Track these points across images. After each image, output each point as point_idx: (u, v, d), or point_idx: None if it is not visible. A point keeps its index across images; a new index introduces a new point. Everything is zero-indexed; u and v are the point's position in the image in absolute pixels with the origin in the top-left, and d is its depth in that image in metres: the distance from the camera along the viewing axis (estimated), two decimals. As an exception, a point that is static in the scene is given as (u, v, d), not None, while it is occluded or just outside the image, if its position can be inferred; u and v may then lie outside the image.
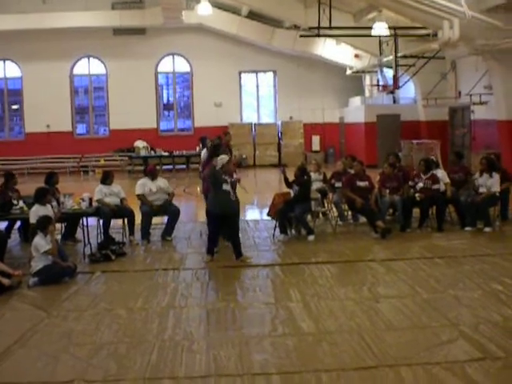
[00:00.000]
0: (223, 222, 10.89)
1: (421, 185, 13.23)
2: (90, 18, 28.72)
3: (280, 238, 12.61)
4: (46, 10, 28.23)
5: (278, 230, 12.77)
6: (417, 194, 13.09)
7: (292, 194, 12.76)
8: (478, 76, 22.27)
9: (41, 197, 10.84)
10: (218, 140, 13.43)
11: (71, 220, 12.52)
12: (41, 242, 9.63)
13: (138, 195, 12.98)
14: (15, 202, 11.91)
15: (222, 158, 10.80)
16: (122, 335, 7.24)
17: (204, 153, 14.99)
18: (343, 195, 13.37)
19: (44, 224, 9.77)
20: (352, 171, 13.71)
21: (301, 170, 12.98)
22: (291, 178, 12.97)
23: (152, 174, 13.14)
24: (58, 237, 11.91)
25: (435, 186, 13.20)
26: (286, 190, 13.25)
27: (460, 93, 25.08)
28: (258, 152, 31.53)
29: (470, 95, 22.78)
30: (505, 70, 19.88)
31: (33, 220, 10.37)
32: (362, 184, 13.11)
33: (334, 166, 16.05)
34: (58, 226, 12.11)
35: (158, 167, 16.18)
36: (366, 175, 13.45)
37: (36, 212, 10.47)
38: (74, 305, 8.54)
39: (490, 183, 12.99)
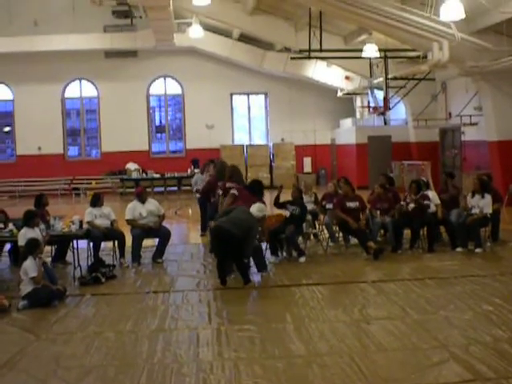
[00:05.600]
0: (223, 247, 10.72)
1: (412, 205, 13.24)
2: (81, 40, 28.84)
3: (271, 259, 12.56)
4: (37, 33, 28.36)
5: (269, 251, 12.73)
6: (410, 205, 13.14)
7: (288, 214, 12.70)
8: (468, 97, 22.42)
9: (29, 219, 10.82)
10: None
11: (61, 242, 12.46)
12: (31, 266, 9.56)
13: (127, 220, 12.94)
14: (1, 225, 11.89)
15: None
16: (111, 358, 7.17)
17: (199, 176, 15.42)
18: (335, 216, 13.37)
19: (32, 247, 9.72)
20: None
21: (299, 191, 13.12)
22: (283, 198, 13.04)
23: (141, 197, 13.09)
24: (48, 259, 11.86)
25: (426, 202, 13.24)
26: (276, 212, 13.24)
27: (450, 114, 25.23)
28: (249, 174, 31.48)
29: (461, 116, 22.89)
30: (495, 91, 19.99)
31: (21, 243, 10.34)
32: (352, 205, 13.11)
33: (326, 187, 16.05)
34: (48, 248, 12.11)
35: (148, 189, 16.20)
36: (356, 195, 13.46)
37: (24, 235, 10.44)
38: (64, 328, 8.48)
39: (483, 204, 13.00)
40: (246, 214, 10.71)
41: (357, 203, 13.16)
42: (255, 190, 11.84)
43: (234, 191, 11.91)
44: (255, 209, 10.92)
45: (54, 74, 30.84)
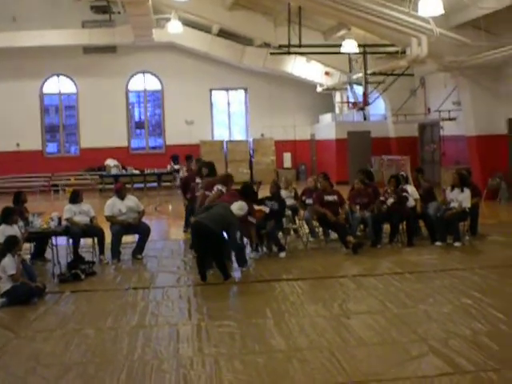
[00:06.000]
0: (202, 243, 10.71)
1: (391, 200, 13.28)
2: (59, 36, 28.61)
3: (251, 255, 12.56)
4: (15, 29, 28.04)
5: (249, 246, 12.72)
6: (389, 200, 13.19)
7: (268, 210, 12.67)
8: (446, 92, 22.54)
9: (7, 217, 10.73)
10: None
11: (40, 239, 12.38)
12: (9, 264, 9.48)
13: (106, 217, 12.88)
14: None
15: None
16: (91, 355, 7.14)
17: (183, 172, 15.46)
18: (314, 211, 13.38)
19: (10, 244, 9.64)
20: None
21: (278, 186, 13.15)
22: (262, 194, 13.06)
23: (120, 193, 13.04)
24: (27, 256, 11.79)
25: (404, 193, 13.32)
26: (256, 208, 13.22)
27: (429, 109, 25.36)
28: (229, 169, 31.42)
29: (439, 111, 23.01)
30: (473, 86, 20.12)
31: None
32: (330, 198, 13.15)
33: (306, 182, 16.08)
34: (26, 245, 12.04)
35: (127, 185, 16.14)
36: (334, 190, 13.52)
37: (2, 232, 10.34)
38: (43, 325, 8.43)
39: (461, 198, 13.06)
40: (226, 210, 10.71)
41: (335, 197, 13.21)
42: (244, 194, 11.79)
43: (222, 188, 11.94)
44: (236, 207, 10.91)
45: (32, 69, 30.59)
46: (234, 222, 10.66)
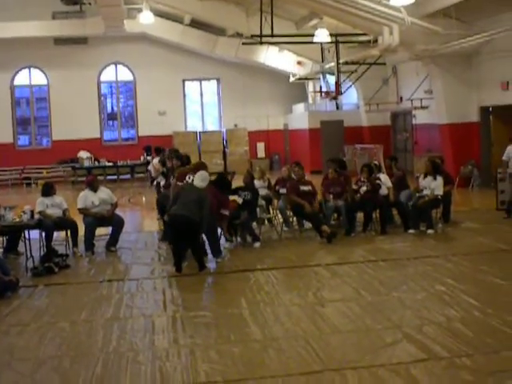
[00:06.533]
0: (180, 234, 10.68)
1: (364, 188, 13.35)
2: (30, 27, 28.25)
3: (226, 245, 12.56)
4: (-16, 20, 27.74)
5: (223, 237, 12.71)
6: (362, 188, 13.26)
7: (241, 201, 12.67)
8: (418, 81, 22.63)
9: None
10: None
11: (13, 233, 12.26)
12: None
13: (79, 209, 12.80)
14: None
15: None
16: (66, 348, 7.10)
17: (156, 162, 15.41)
18: (289, 201, 13.39)
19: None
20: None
21: (251, 176, 13.14)
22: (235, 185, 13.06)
23: (92, 186, 12.96)
24: (0, 250, 11.69)
25: (377, 181, 13.40)
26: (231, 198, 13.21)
27: (401, 98, 25.46)
28: (203, 160, 31.26)
29: (411, 100, 23.11)
30: (445, 75, 20.24)
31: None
32: (305, 188, 13.18)
33: (280, 172, 16.11)
34: (-2, 239, 11.96)
35: (100, 177, 16.01)
36: (307, 180, 13.57)
37: (-26, 226, 10.27)
38: (17, 319, 8.36)
39: (434, 186, 13.16)
40: (192, 190, 10.71)
41: (309, 187, 13.25)
42: (218, 186, 11.79)
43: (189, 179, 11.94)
44: (198, 179, 10.86)
45: (2, 62, 30.19)
46: (204, 197, 10.64)
